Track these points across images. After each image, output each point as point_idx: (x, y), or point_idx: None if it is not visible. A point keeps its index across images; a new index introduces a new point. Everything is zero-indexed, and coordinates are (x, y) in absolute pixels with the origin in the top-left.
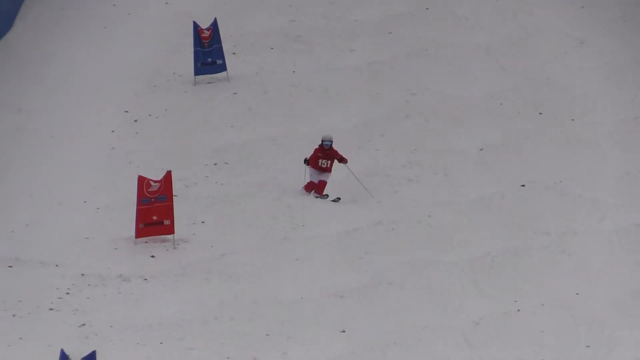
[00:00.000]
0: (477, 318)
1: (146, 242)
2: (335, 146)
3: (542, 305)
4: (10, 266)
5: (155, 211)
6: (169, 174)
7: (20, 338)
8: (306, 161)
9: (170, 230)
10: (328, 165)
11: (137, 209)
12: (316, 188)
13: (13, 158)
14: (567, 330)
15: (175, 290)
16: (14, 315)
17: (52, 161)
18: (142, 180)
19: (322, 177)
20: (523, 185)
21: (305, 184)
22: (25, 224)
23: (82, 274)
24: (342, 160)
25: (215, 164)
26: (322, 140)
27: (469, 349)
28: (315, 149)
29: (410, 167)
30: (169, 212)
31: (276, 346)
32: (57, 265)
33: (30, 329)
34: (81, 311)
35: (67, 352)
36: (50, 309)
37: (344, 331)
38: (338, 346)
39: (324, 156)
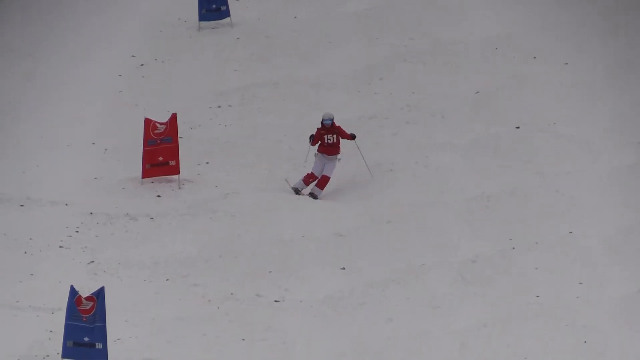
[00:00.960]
0: (473, 256)
1: (152, 182)
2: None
3: (536, 243)
4: (21, 205)
5: (161, 152)
6: (174, 117)
7: (31, 274)
8: (312, 138)
9: (175, 170)
10: (335, 141)
11: (143, 151)
12: (318, 182)
13: (24, 102)
14: (561, 268)
15: (180, 229)
16: (25, 252)
17: (61, 105)
18: (148, 123)
19: (328, 165)
20: (518, 127)
21: (305, 174)
22: (35, 165)
23: (91, 213)
24: (349, 137)
25: (219, 107)
26: (322, 119)
27: (465, 285)
28: (318, 129)
29: (409, 110)
30: (174, 153)
31: (278, 283)
32: (66, 205)
33: (40, 266)
34: (90, 249)
35: (76, 288)
36: (60, 247)
37: (344, 268)
38: (338, 283)
39: (328, 132)
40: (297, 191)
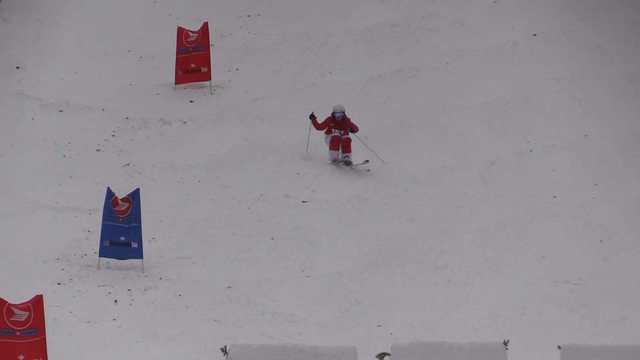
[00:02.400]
0: (493, 158)
1: (185, 88)
2: None
3: (553, 146)
4: (60, 111)
5: (193, 59)
6: (206, 25)
7: (70, 177)
8: (312, 116)
9: (207, 77)
10: (342, 136)
11: (176, 58)
12: (344, 147)
13: (62, 12)
14: (577, 169)
15: (212, 133)
16: (64, 156)
17: (99, 14)
18: (181, 31)
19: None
20: (535, 35)
21: (331, 137)
22: (74, 72)
23: (127, 118)
24: (352, 129)
25: (249, 16)
26: (334, 112)
27: (484, 186)
28: (327, 118)
29: (430, 18)
30: (206, 60)
31: (305, 184)
32: (103, 110)
33: (79, 169)
34: (126, 152)
35: (113, 189)
36: (97, 150)
37: (368, 170)
38: (363, 184)
39: (337, 126)
40: (334, 161)
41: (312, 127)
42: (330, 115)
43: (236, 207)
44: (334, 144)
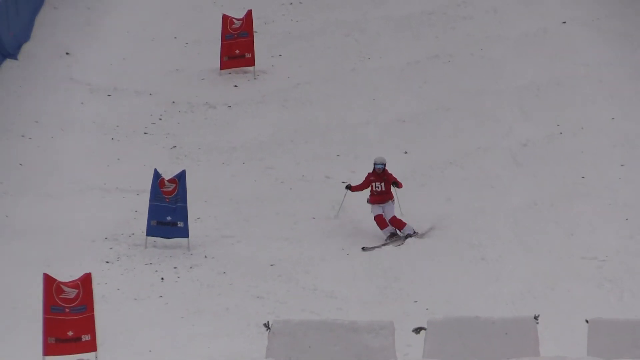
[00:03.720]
0: (524, 140)
1: (229, 73)
2: None
3: (582, 128)
4: (109, 95)
5: (237, 46)
6: (249, 13)
7: (118, 159)
8: (349, 187)
9: (251, 62)
10: (383, 189)
11: (221, 44)
12: (396, 224)
13: (112, 0)
14: (604, 151)
15: (255, 116)
16: (112, 139)
17: (146, 2)
18: (225, 19)
19: (387, 209)
20: (564, 22)
21: (374, 216)
22: (122, 58)
23: (173, 102)
24: (396, 184)
25: (291, 4)
26: (374, 163)
27: (516, 167)
28: (368, 174)
29: (464, 6)
30: (250, 47)
31: (345, 165)
32: (150, 94)
33: (126, 151)
34: (172, 135)
35: (160, 171)
36: (145, 133)
37: (406, 152)
38: (400, 165)
39: (377, 178)
40: (391, 236)
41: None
42: (371, 171)
43: (279, 188)
44: (381, 224)
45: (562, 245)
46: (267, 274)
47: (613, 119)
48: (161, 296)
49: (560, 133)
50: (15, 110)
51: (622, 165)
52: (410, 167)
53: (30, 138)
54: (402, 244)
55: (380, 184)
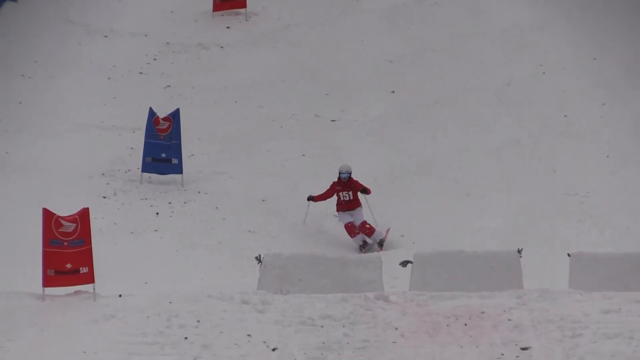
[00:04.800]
0: (508, 80)
1: (222, 15)
2: None
3: (564, 69)
4: (105, 36)
5: None
6: None
7: (114, 98)
8: (311, 198)
9: (243, 4)
10: (351, 198)
11: None
12: (366, 231)
13: None
14: (587, 91)
15: (247, 57)
16: (108, 78)
17: None
18: None
19: (357, 216)
20: None
21: (344, 224)
22: (118, 0)
23: (167, 43)
24: (365, 190)
25: None
26: (340, 172)
27: (501, 106)
28: (333, 183)
29: None
30: None
31: (334, 104)
32: (145, 35)
33: (122, 90)
34: (166, 75)
35: (154, 109)
36: (140, 73)
37: (393, 92)
38: (388, 104)
39: (344, 188)
40: (363, 245)
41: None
42: (336, 179)
43: (270, 126)
44: (351, 232)
45: (544, 181)
46: (258, 209)
47: (595, 59)
48: (156, 230)
49: (543, 73)
50: (15, 51)
51: (603, 104)
52: (397, 105)
53: (29, 77)
54: (380, 251)
55: (348, 193)
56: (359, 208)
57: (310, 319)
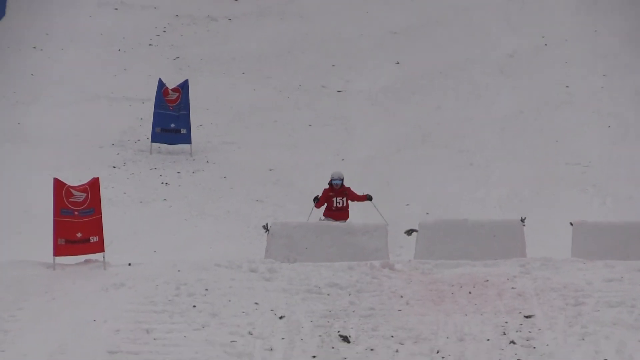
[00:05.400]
0: (511, 51)
1: None
2: None
3: (566, 40)
4: (115, 9)
5: None
6: None
7: (124, 69)
8: (316, 200)
9: None
10: (344, 205)
11: None
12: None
13: None
14: (587, 62)
15: (255, 29)
16: (119, 50)
17: None
18: None
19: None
20: None
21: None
22: None
23: (176, 15)
24: (363, 199)
25: None
26: (332, 179)
27: (504, 77)
28: (325, 190)
29: None
30: None
31: (340, 75)
32: (155, 8)
33: (132, 62)
34: (176, 46)
35: (164, 80)
36: (150, 45)
37: (398, 63)
38: (393, 75)
39: (337, 194)
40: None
41: (314, 209)
42: (327, 186)
43: (277, 97)
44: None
45: (547, 151)
46: (265, 178)
47: (596, 31)
48: (165, 199)
49: (545, 45)
50: (27, 24)
51: (604, 75)
52: (401, 76)
53: (41, 50)
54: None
55: (342, 199)
56: (344, 221)
57: (317, 287)
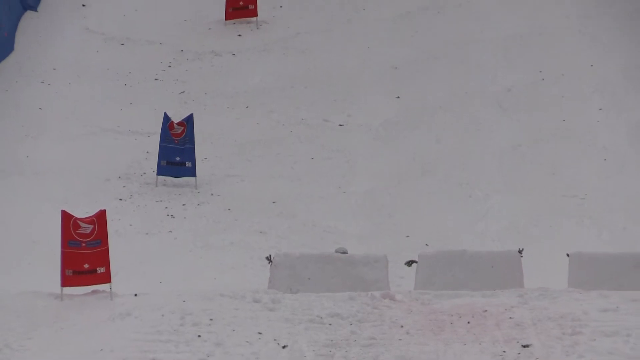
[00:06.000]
0: (509, 86)
1: (234, 23)
2: None
3: (563, 75)
4: (122, 44)
5: None
6: None
7: (131, 103)
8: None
9: (254, 13)
10: None
11: None
12: None
13: None
14: (584, 96)
15: (258, 63)
16: (125, 84)
17: None
18: None
19: None
20: None
21: None
22: (134, 9)
23: (182, 50)
24: None
25: None
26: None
27: (501, 111)
28: None
29: None
30: None
31: (341, 109)
32: (160, 43)
33: (138, 96)
34: (181, 81)
35: (169, 114)
36: (155, 79)
37: (398, 97)
38: (393, 109)
39: None
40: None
41: None
42: None
43: (280, 130)
44: None
45: (544, 184)
46: (269, 210)
47: (592, 66)
48: (171, 231)
49: (543, 79)
50: (36, 58)
51: (600, 110)
52: (402, 110)
53: (49, 84)
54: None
55: None
56: None
57: (319, 317)
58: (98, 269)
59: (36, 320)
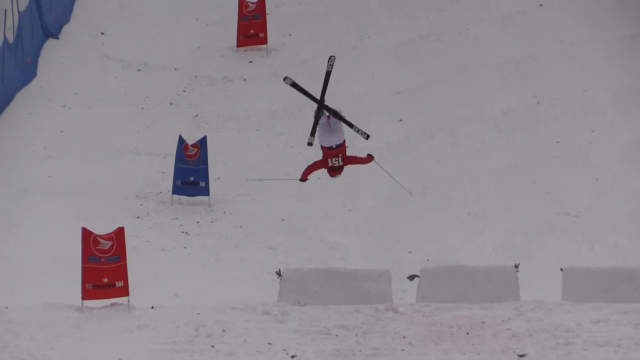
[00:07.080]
0: (506, 109)
1: (245, 50)
2: None
3: (557, 99)
4: (139, 70)
5: (252, 26)
6: None
7: (147, 126)
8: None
9: (264, 41)
10: (340, 164)
11: (238, 25)
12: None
13: None
14: (576, 119)
15: (268, 88)
16: (142, 108)
17: None
18: (241, 2)
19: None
20: (541, 5)
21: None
22: (150, 37)
23: (195, 76)
24: (366, 161)
25: None
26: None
27: (499, 133)
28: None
29: None
30: (263, 27)
31: (347, 131)
32: (175, 69)
33: (155, 119)
34: (194, 105)
35: (184, 137)
36: (171, 103)
37: (401, 120)
38: (396, 131)
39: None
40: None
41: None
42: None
43: (289, 152)
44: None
45: (539, 202)
46: (278, 227)
47: (584, 90)
48: (185, 247)
49: (538, 103)
50: (57, 84)
51: (592, 132)
52: (404, 133)
53: (70, 108)
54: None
55: (337, 158)
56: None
57: (326, 328)
58: (117, 282)
59: (58, 331)
